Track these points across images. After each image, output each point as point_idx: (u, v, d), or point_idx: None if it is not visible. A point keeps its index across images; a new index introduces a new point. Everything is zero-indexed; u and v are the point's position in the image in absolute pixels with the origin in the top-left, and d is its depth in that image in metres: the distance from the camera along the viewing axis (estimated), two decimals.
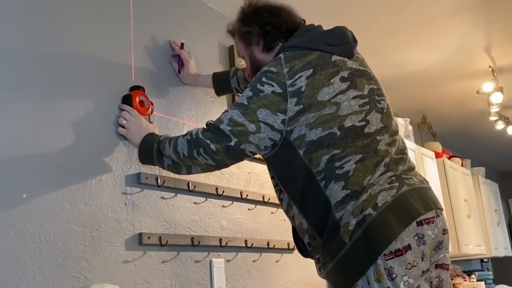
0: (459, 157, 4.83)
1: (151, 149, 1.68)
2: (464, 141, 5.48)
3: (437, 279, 1.42)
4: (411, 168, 1.51)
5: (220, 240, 2.16)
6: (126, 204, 1.84)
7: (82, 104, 1.79)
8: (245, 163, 2.47)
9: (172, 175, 2.04)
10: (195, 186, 2.10)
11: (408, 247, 1.31)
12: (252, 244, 2.32)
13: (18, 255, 1.49)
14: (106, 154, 1.82)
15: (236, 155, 1.52)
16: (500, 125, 4.45)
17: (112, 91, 1.91)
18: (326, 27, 1.67)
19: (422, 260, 1.34)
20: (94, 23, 1.91)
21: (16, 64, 1.62)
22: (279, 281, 2.48)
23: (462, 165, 4.79)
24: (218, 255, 2.18)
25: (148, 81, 2.07)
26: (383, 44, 3.18)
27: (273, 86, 1.45)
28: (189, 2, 2.43)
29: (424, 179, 1.53)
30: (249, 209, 2.41)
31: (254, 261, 2.36)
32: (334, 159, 1.40)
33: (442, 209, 1.48)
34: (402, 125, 3.78)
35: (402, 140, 1.58)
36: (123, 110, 1.87)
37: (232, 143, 1.48)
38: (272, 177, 1.61)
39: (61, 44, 1.77)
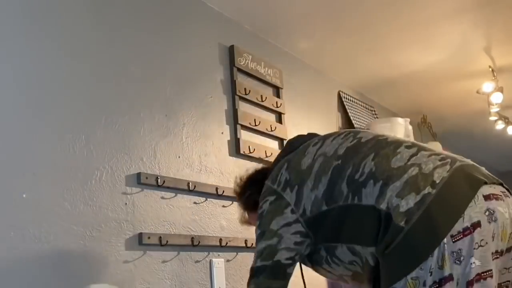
0: None
1: None
2: (464, 141, 5.48)
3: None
4: None
5: (220, 240, 2.16)
6: (126, 204, 1.84)
7: (82, 103, 1.79)
8: (245, 163, 2.47)
9: (172, 175, 2.04)
10: (195, 186, 2.10)
11: (477, 224, 1.17)
12: (252, 244, 2.32)
13: (18, 255, 1.49)
14: (106, 154, 1.82)
15: (274, 271, 1.46)
16: (500, 125, 4.44)
17: (111, 90, 1.91)
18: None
19: (493, 240, 1.19)
20: (94, 23, 1.91)
21: (16, 64, 1.62)
22: None
23: None
24: (218, 255, 2.18)
25: (148, 80, 2.07)
26: (383, 44, 3.18)
27: (267, 199, 1.49)
28: (189, 2, 2.43)
29: None
30: None
31: None
32: (352, 176, 1.34)
33: (509, 190, 1.31)
34: (402, 125, 3.77)
35: None
36: None
37: (268, 263, 1.45)
38: (335, 263, 1.45)
39: (60, 43, 1.77)
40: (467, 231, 1.16)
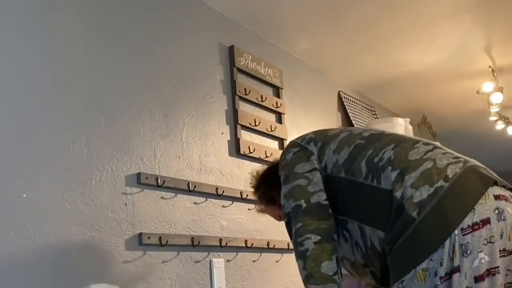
0: None
1: None
2: (464, 141, 5.47)
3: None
4: None
5: (220, 240, 2.16)
6: (126, 204, 1.84)
7: (82, 103, 1.79)
8: (245, 163, 2.47)
9: (172, 175, 2.04)
10: (195, 186, 2.10)
11: (487, 221, 1.20)
12: (252, 244, 2.32)
13: (18, 255, 1.49)
14: (106, 154, 1.82)
15: (317, 212, 1.43)
16: (500, 125, 4.44)
17: (111, 90, 1.91)
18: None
19: (501, 238, 1.21)
20: (94, 23, 1.91)
21: (17, 64, 1.62)
22: (279, 281, 2.48)
23: None
24: (218, 255, 2.18)
25: (148, 80, 2.07)
26: (383, 44, 3.18)
27: (290, 151, 1.56)
28: (189, 2, 2.43)
29: None
30: (249, 209, 2.41)
31: (254, 261, 2.36)
32: (371, 158, 1.40)
33: None
34: (402, 125, 3.77)
35: None
36: None
37: (304, 204, 1.44)
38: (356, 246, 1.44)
39: (60, 43, 1.77)
40: (476, 226, 1.20)
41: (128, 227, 1.83)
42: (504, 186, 1.31)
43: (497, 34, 3.19)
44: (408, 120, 3.98)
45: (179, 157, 2.12)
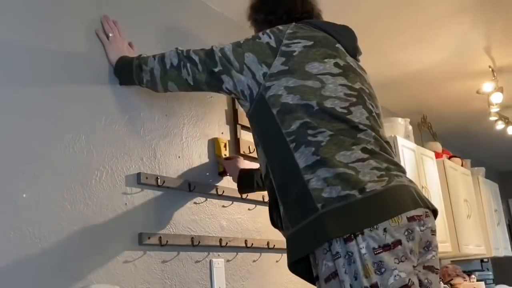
0: (459, 157, 4.83)
1: (131, 65, 1.79)
2: (464, 141, 5.48)
3: (426, 280, 1.37)
4: (400, 167, 1.44)
5: (220, 240, 2.17)
6: (126, 204, 1.84)
7: (82, 103, 1.79)
8: (246, 163, 2.47)
9: (171, 174, 2.04)
10: (195, 186, 2.10)
11: (398, 242, 1.27)
12: (252, 244, 2.32)
13: (18, 255, 1.49)
14: (106, 154, 1.82)
15: (214, 84, 1.60)
16: (500, 125, 4.45)
17: (113, 91, 1.91)
18: None
19: (412, 255, 1.30)
20: (94, 23, 1.91)
21: (15, 63, 1.62)
22: (279, 281, 2.48)
23: (462, 165, 4.79)
24: (218, 255, 2.18)
25: None
26: (383, 44, 3.18)
27: (270, 38, 1.52)
28: (189, 2, 2.43)
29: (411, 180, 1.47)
30: (249, 209, 2.42)
31: (254, 261, 2.36)
32: (308, 126, 1.36)
33: (433, 210, 1.43)
34: (402, 125, 3.78)
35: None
36: (114, 25, 1.92)
37: (216, 69, 1.57)
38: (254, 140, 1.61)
39: (60, 42, 1.77)
40: (387, 247, 1.26)
41: (128, 227, 1.83)
42: (421, 206, 1.36)
43: (497, 34, 3.20)
44: (408, 120, 3.98)
45: (179, 157, 2.12)
